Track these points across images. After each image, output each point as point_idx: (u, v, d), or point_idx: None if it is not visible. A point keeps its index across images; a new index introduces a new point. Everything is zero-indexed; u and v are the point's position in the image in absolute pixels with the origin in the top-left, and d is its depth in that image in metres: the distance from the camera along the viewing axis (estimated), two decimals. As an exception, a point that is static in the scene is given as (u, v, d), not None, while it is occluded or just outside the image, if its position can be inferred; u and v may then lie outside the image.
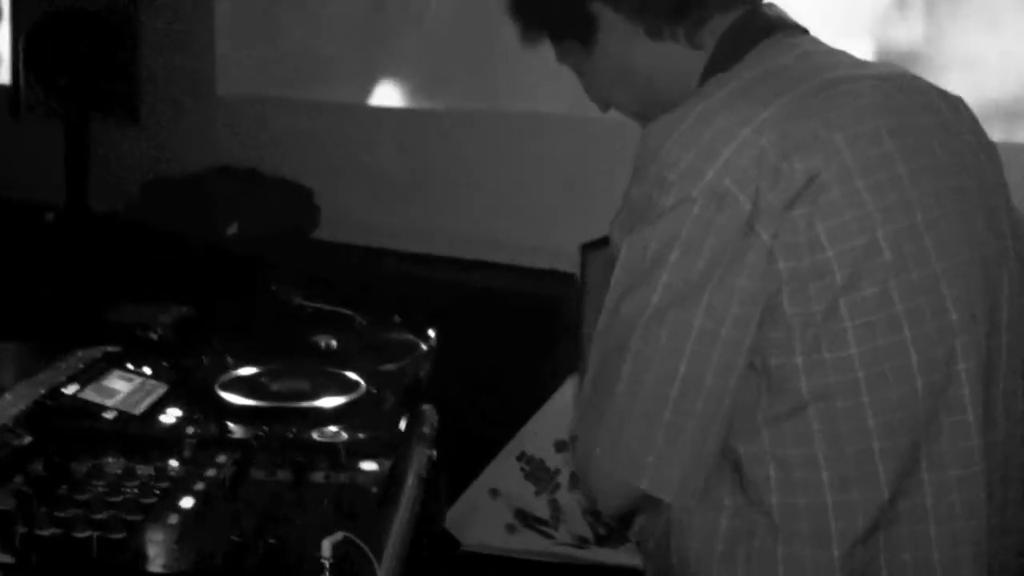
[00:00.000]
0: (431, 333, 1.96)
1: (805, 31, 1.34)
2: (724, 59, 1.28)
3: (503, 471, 2.03)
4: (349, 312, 2.08)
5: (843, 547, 1.16)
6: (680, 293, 1.13)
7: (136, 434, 1.48)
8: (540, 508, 1.99)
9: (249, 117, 3.87)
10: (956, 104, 1.34)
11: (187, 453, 1.43)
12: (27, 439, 1.42)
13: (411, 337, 1.96)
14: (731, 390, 1.15)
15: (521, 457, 2.01)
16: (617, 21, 1.32)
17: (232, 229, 3.27)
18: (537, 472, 2.00)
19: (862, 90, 1.23)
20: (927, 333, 1.16)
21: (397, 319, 2.03)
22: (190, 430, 1.49)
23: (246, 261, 3.10)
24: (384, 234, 3.56)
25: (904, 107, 1.26)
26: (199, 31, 4.00)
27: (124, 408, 1.54)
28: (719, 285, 1.12)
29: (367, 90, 3.72)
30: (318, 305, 2.11)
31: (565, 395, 1.94)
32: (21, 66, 3.52)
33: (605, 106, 1.45)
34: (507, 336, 2.44)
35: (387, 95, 3.72)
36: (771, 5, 1.35)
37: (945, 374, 1.17)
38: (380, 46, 3.70)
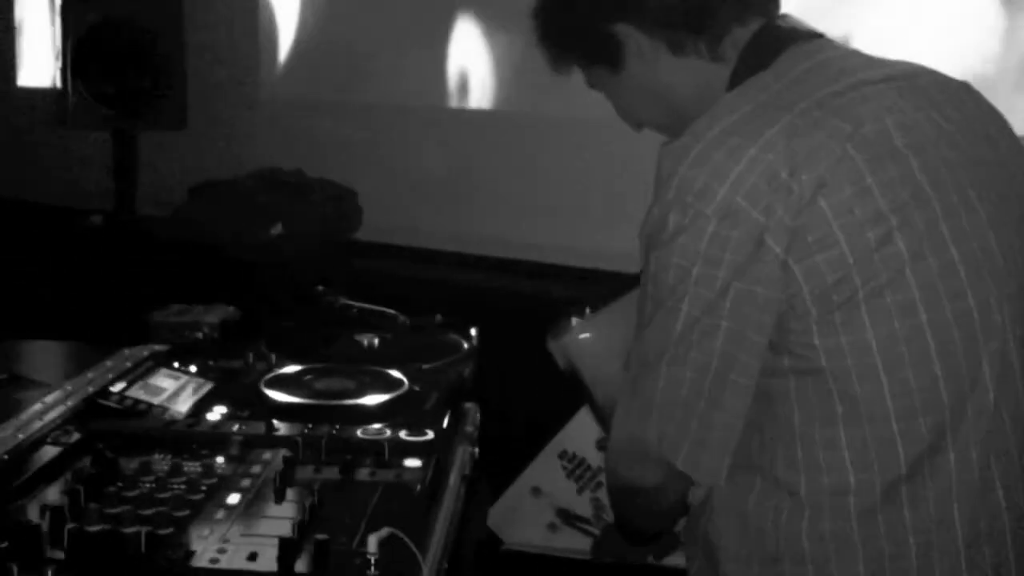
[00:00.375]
0: (473, 332, 1.97)
1: (820, 36, 1.40)
2: (746, 72, 1.34)
3: (545, 469, 2.03)
4: (392, 312, 2.09)
5: (862, 520, 1.24)
6: (707, 302, 1.22)
7: (183, 432, 1.49)
8: (582, 506, 1.99)
9: (293, 121, 3.90)
10: (976, 96, 1.39)
11: (233, 451, 1.44)
12: (76, 436, 1.44)
13: (453, 336, 1.97)
14: (753, 387, 1.25)
15: (563, 455, 2.00)
16: (641, 39, 1.39)
17: (276, 230, 3.29)
18: (579, 470, 1.99)
19: (871, 93, 1.28)
20: (944, 317, 1.21)
21: (439, 319, 2.04)
22: (236, 427, 1.50)
23: (290, 262, 3.13)
24: (426, 235, 3.57)
25: (917, 103, 1.30)
26: (242, 38, 4.04)
27: (171, 406, 1.56)
28: (739, 293, 1.21)
29: (409, 92, 3.74)
30: (361, 305, 2.12)
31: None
32: (69, 74, 3.57)
33: (637, 125, 1.53)
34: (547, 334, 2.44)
35: (429, 96, 3.74)
36: (786, 16, 1.42)
37: (965, 357, 1.22)
38: (421, 48, 3.71)
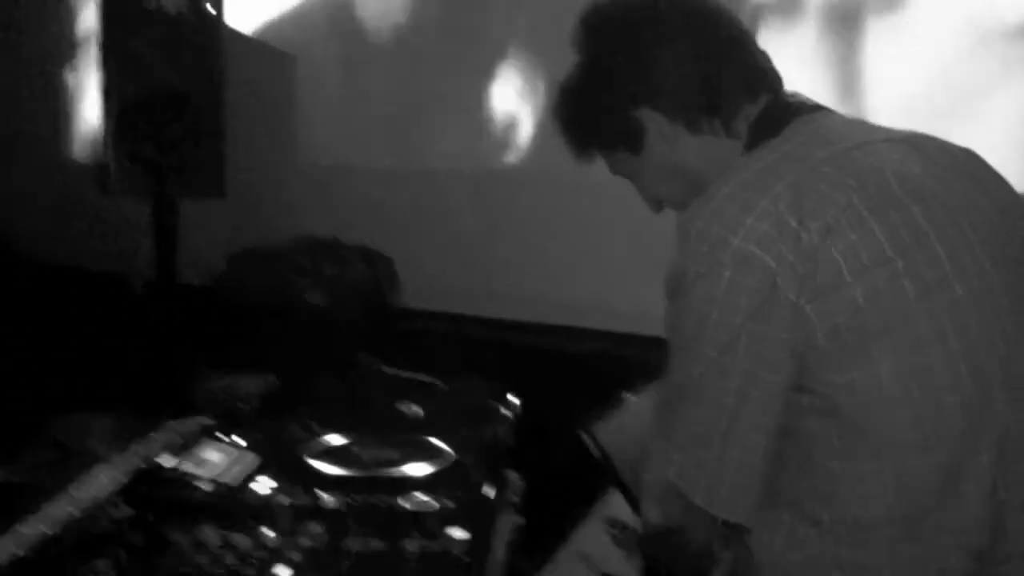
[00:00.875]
0: (512, 398, 1.98)
1: (824, 108, 1.49)
2: (757, 143, 1.43)
3: (591, 536, 2.02)
4: (431, 379, 2.10)
5: (884, 551, 1.28)
6: (722, 344, 1.28)
7: (232, 504, 1.51)
8: (630, 573, 1.98)
9: (330, 187, 3.96)
10: (977, 158, 1.47)
11: (281, 523, 1.46)
12: (126, 510, 1.46)
13: (493, 402, 1.98)
14: (771, 425, 1.30)
15: (610, 523, 2.00)
16: (661, 122, 1.48)
17: (315, 297, 3.33)
18: (626, 536, 1.99)
19: (872, 150, 1.37)
20: (953, 351, 1.27)
21: (478, 383, 2.05)
22: (283, 500, 1.51)
23: (329, 329, 3.15)
24: (463, 299, 3.59)
25: (916, 158, 1.38)
26: (281, 106, 4.12)
27: (220, 479, 1.58)
28: (754, 336, 1.27)
29: (446, 155, 3.79)
30: (401, 372, 2.14)
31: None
32: (111, 143, 3.65)
33: (658, 205, 1.61)
34: (588, 399, 2.44)
35: (464, 160, 3.78)
36: (794, 93, 1.51)
37: (975, 390, 1.27)
38: (458, 113, 3.76)
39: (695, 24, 1.49)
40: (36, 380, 3.18)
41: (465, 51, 3.76)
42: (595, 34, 1.53)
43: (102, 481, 1.54)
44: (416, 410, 1.95)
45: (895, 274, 1.26)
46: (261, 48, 4.08)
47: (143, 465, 1.59)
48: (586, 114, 1.55)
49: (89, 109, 3.98)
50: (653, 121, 1.48)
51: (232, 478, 1.59)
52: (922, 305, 1.27)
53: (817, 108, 1.49)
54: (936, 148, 1.44)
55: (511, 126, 3.67)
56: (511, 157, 3.71)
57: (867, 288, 1.25)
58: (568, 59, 1.59)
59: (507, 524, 1.60)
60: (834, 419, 1.29)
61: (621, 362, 1.70)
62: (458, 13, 3.78)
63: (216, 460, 1.64)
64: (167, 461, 1.60)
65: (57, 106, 4.62)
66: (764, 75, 1.51)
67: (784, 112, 1.46)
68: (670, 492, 1.35)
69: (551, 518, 1.89)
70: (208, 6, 3.62)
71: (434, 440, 1.73)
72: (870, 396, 1.26)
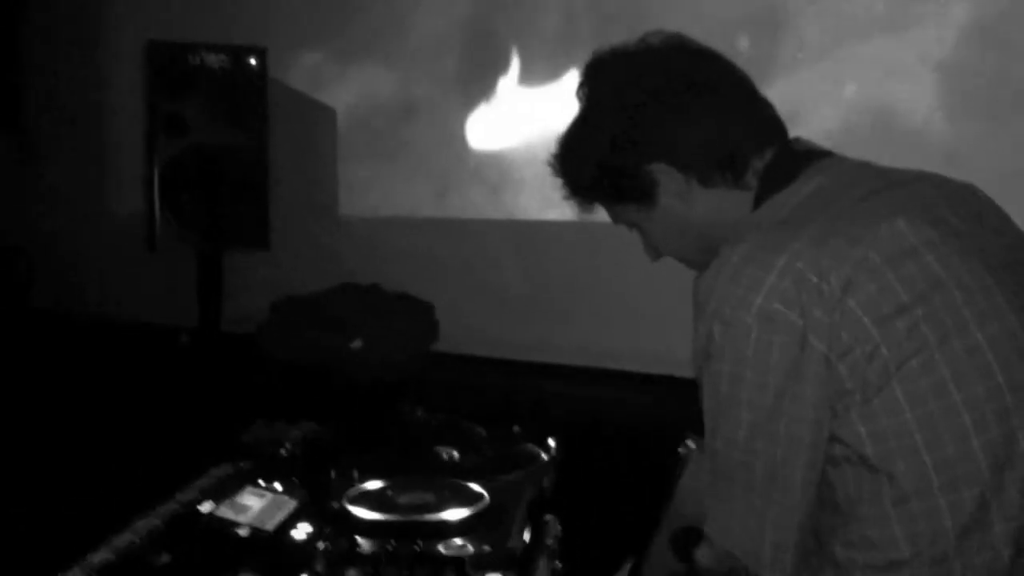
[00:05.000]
0: (552, 443, 1.97)
1: (830, 154, 1.50)
2: (766, 195, 1.45)
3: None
4: (470, 424, 2.10)
5: None
6: (763, 407, 1.29)
7: (270, 550, 1.52)
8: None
9: (370, 237, 4.00)
10: (974, 190, 1.49)
11: (319, 568, 1.46)
12: (166, 558, 1.47)
13: (532, 447, 1.97)
14: (816, 478, 1.32)
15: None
16: (676, 176, 1.48)
17: (356, 344, 3.35)
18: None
19: (882, 201, 1.38)
20: (976, 395, 1.28)
21: (517, 429, 2.05)
22: (321, 545, 1.52)
23: (370, 376, 3.17)
24: (503, 345, 3.60)
25: (925, 204, 1.39)
26: (323, 157, 4.18)
27: (257, 525, 1.58)
28: (793, 396, 1.28)
29: (483, 205, 3.81)
30: (440, 417, 2.14)
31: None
32: (157, 199, 3.71)
33: (656, 253, 1.63)
34: (629, 444, 2.44)
35: (503, 208, 3.80)
36: (798, 139, 1.52)
37: (1000, 432, 1.28)
38: (495, 159, 3.80)
39: (703, 77, 1.50)
40: (83, 429, 3.23)
41: (502, 104, 3.80)
42: (604, 85, 1.53)
43: (142, 529, 1.55)
44: (454, 454, 1.95)
45: (915, 322, 1.27)
46: (303, 101, 4.16)
47: (182, 511, 1.61)
48: (595, 168, 1.54)
49: (135, 164, 4.06)
50: (667, 175, 1.49)
51: (271, 524, 1.60)
52: (943, 351, 1.28)
53: (825, 154, 1.50)
54: (941, 188, 1.45)
55: (546, 177, 3.69)
56: (548, 206, 3.72)
57: (889, 338, 1.27)
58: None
59: (545, 570, 1.59)
60: (863, 467, 1.30)
61: (660, 407, 1.69)
62: (493, 68, 3.83)
63: (255, 506, 1.64)
64: (206, 507, 1.61)
65: (103, 161, 4.72)
66: (771, 125, 1.52)
67: (792, 163, 1.46)
68: (729, 556, 1.36)
69: (590, 564, 1.87)
70: (251, 61, 3.69)
71: (472, 485, 1.73)
72: (898, 444, 1.27)
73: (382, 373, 3.21)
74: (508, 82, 3.84)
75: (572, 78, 3.57)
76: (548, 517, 1.77)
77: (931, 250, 1.32)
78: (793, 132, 1.55)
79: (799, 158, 1.47)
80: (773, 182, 1.45)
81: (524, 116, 3.77)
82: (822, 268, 1.27)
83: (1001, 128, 3.05)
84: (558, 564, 1.66)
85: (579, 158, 1.56)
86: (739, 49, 3.19)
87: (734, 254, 1.33)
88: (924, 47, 3.14)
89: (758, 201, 1.46)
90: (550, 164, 1.61)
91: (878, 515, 1.29)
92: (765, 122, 1.51)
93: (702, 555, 1.42)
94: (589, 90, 1.55)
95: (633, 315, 3.31)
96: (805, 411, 1.28)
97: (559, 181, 1.61)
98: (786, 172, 1.45)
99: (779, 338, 1.27)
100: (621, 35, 1.55)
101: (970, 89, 3.11)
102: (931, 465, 1.27)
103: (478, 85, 3.89)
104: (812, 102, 3.18)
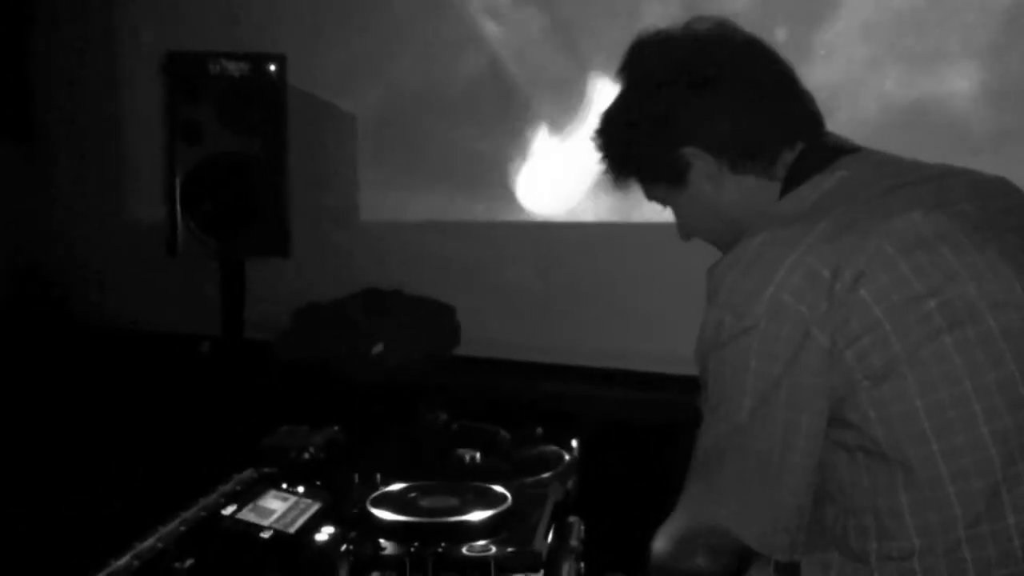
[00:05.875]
0: (575, 444, 1.97)
1: (858, 149, 1.52)
2: (792, 187, 1.48)
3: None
4: (492, 427, 2.10)
5: None
6: (764, 394, 1.33)
7: (293, 553, 1.51)
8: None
9: (391, 241, 4.00)
10: (1005, 184, 1.50)
11: (343, 571, 1.45)
12: (189, 562, 1.47)
13: (555, 449, 1.96)
14: (814, 464, 1.35)
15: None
16: (708, 160, 1.51)
17: (378, 349, 3.35)
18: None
19: (902, 193, 1.40)
20: (987, 383, 1.28)
21: (540, 431, 2.04)
22: (344, 548, 1.51)
23: (392, 380, 3.17)
24: (525, 348, 3.60)
25: (947, 197, 1.41)
26: (343, 163, 4.19)
27: (280, 527, 1.58)
28: (792, 384, 1.32)
29: (504, 208, 3.81)
30: (462, 421, 2.13)
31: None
32: (178, 206, 3.73)
33: (687, 236, 1.66)
34: (651, 445, 2.43)
35: (523, 211, 3.80)
36: (829, 135, 1.55)
37: (1013, 422, 1.28)
38: (516, 163, 3.80)
39: (746, 65, 1.52)
40: (108, 436, 3.24)
41: (519, 107, 3.80)
42: (646, 67, 1.55)
43: (166, 534, 1.55)
44: (476, 457, 1.94)
45: (927, 311, 1.29)
46: (322, 108, 4.16)
47: (205, 516, 1.61)
48: (632, 146, 1.57)
49: (156, 172, 4.08)
50: (699, 159, 1.51)
51: (294, 527, 1.60)
52: (954, 339, 1.29)
53: (855, 150, 1.52)
54: (968, 183, 1.46)
55: (567, 179, 3.69)
56: (567, 208, 3.72)
57: (899, 326, 1.29)
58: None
59: (570, 571, 1.58)
60: (874, 455, 1.32)
61: (684, 408, 1.68)
62: (514, 70, 3.83)
63: (278, 509, 1.64)
64: (229, 510, 1.61)
65: (123, 170, 4.74)
66: (806, 119, 1.54)
67: (820, 157, 1.49)
68: (713, 534, 1.40)
69: (613, 565, 1.86)
70: (271, 68, 3.70)
71: (495, 487, 1.72)
72: (907, 430, 1.29)
73: (404, 377, 3.21)
74: (528, 86, 3.83)
75: (587, 80, 3.58)
76: (572, 518, 1.77)
77: (945, 241, 1.34)
78: (829, 121, 1.58)
79: (826, 153, 1.49)
80: (798, 175, 1.47)
81: (543, 119, 3.77)
82: (836, 262, 1.30)
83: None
84: (582, 566, 1.65)
85: (616, 136, 1.59)
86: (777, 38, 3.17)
87: (749, 246, 1.37)
88: (965, 33, 3.11)
89: (783, 193, 1.48)
90: (590, 139, 1.63)
91: (891, 505, 1.31)
92: (799, 116, 1.53)
93: (658, 541, 1.47)
94: (630, 71, 1.57)
95: (654, 317, 3.31)
96: (804, 399, 1.32)
97: (598, 156, 1.64)
98: (811, 166, 1.47)
99: (785, 330, 1.30)
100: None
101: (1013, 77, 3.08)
102: (939, 453, 1.28)
103: (499, 88, 3.89)
104: (849, 92, 3.15)
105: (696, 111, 1.50)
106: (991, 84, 3.09)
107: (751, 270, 1.35)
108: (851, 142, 1.54)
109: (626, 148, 1.58)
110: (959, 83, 3.12)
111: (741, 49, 1.54)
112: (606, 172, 1.63)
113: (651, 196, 1.63)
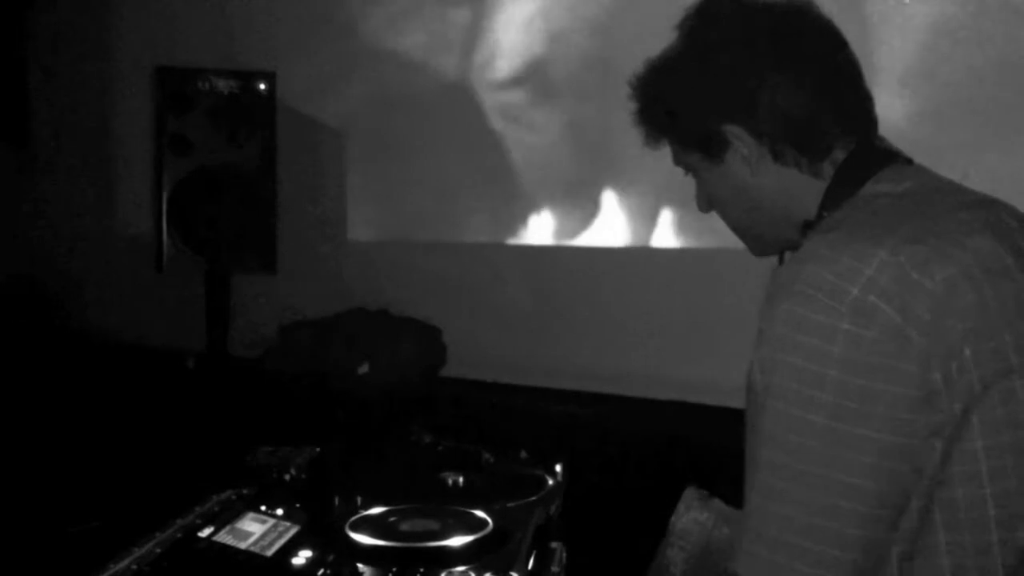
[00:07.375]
0: (559, 468, 1.94)
1: (910, 161, 1.43)
2: (842, 189, 1.37)
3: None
4: (477, 448, 2.08)
5: None
6: (844, 410, 1.16)
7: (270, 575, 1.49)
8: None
9: (378, 260, 3.99)
10: None
11: (319, 596, 1.43)
12: (164, 583, 1.45)
13: (539, 472, 1.94)
14: (897, 496, 1.19)
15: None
16: (749, 142, 1.41)
17: (363, 369, 3.33)
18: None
19: (973, 215, 1.31)
20: None
21: (524, 454, 2.02)
22: (321, 572, 1.49)
23: (377, 400, 3.15)
24: (511, 369, 3.58)
25: (1011, 228, 1.33)
26: (331, 181, 4.18)
27: (256, 550, 1.56)
28: (875, 397, 1.16)
29: (491, 229, 3.80)
30: (446, 442, 2.11)
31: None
32: (164, 222, 3.71)
33: (707, 208, 1.53)
34: (637, 470, 2.41)
35: (511, 232, 3.79)
36: (881, 138, 1.45)
37: None
38: (503, 184, 3.79)
39: (812, 53, 1.41)
40: (88, 451, 3.21)
41: (510, 128, 3.80)
42: (709, 31, 1.43)
43: (141, 555, 1.53)
44: (459, 480, 1.92)
45: (1001, 346, 1.20)
46: (311, 125, 4.16)
47: (181, 537, 1.58)
48: (674, 107, 1.46)
49: (143, 188, 4.06)
50: (740, 139, 1.41)
51: (270, 550, 1.57)
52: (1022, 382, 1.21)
53: (904, 159, 1.43)
54: (1014, 216, 1.38)
55: (556, 200, 3.68)
56: (557, 230, 3.71)
57: (978, 357, 1.19)
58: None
59: (551, 597, 1.56)
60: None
61: (667, 431, 1.66)
62: (506, 91, 3.83)
63: (255, 532, 1.62)
64: (206, 532, 1.59)
65: (111, 183, 4.72)
66: (862, 118, 1.44)
67: (874, 161, 1.39)
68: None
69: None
70: (260, 86, 3.70)
71: (477, 511, 1.70)
72: (964, 468, 1.20)
73: (389, 397, 3.18)
74: (519, 102, 3.83)
75: (585, 95, 3.58)
76: (554, 544, 1.75)
77: (1015, 276, 1.26)
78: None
79: (878, 157, 1.40)
80: (849, 176, 1.37)
81: (535, 133, 3.76)
82: (926, 266, 1.18)
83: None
84: (563, 592, 1.63)
85: (658, 92, 1.48)
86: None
87: (824, 241, 1.25)
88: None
89: (831, 192, 1.38)
90: (629, 83, 1.50)
91: (929, 544, 1.21)
92: (859, 113, 1.43)
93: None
94: (691, 29, 1.45)
95: (641, 340, 3.29)
96: (895, 413, 1.16)
97: (634, 107, 1.50)
98: (865, 169, 1.37)
99: (871, 333, 1.16)
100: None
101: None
102: (990, 495, 1.19)
103: (488, 104, 3.88)
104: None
105: (747, 89, 1.38)
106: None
107: (832, 264, 1.20)
108: (898, 149, 1.44)
109: (663, 107, 1.46)
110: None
111: (811, 32, 1.42)
112: (639, 124, 1.50)
113: (679, 162, 1.51)
